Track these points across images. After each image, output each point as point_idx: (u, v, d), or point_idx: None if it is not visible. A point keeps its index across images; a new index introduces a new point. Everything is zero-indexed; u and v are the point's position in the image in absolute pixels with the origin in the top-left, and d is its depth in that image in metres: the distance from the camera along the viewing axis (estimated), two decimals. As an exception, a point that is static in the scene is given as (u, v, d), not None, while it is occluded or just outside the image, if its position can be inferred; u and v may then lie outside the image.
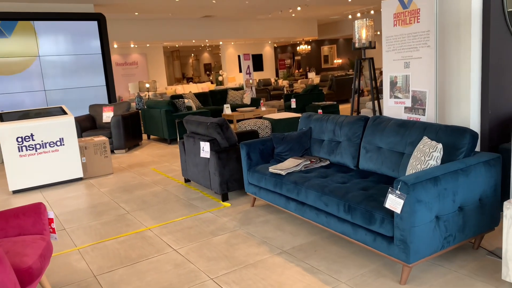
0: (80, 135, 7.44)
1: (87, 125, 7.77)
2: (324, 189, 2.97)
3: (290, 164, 3.53)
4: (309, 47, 22.71)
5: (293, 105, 10.18)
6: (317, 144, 3.85)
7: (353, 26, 4.02)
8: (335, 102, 9.86)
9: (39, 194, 5.13)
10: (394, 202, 2.38)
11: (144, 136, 9.33)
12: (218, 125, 4.23)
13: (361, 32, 3.99)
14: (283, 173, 3.40)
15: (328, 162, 3.65)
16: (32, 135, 5.24)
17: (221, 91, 11.27)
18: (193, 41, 16.81)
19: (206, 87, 17.92)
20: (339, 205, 2.79)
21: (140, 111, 9.46)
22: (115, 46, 16.12)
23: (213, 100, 11.07)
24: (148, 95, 10.65)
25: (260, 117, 9.70)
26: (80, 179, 5.70)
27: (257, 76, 19.67)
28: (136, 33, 14.02)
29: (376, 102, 6.80)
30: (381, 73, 11.12)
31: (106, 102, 9.06)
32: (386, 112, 3.75)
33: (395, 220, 2.41)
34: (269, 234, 3.34)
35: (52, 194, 5.11)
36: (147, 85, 10.07)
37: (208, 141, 4.28)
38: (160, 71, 18.39)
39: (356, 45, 4.05)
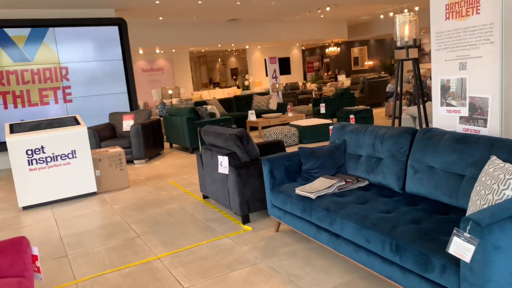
0: (99, 144, 7.14)
1: (107, 134, 7.47)
2: (364, 220, 2.41)
3: (321, 185, 2.99)
4: (339, 49, 22.00)
5: (323, 110, 9.58)
6: (353, 161, 3.28)
7: (394, 22, 3.44)
8: (368, 107, 9.18)
9: (49, 211, 4.79)
10: (461, 248, 1.80)
11: (167, 144, 8.97)
12: (237, 138, 3.73)
13: (404, 29, 3.40)
14: (312, 196, 2.86)
15: (366, 182, 3.07)
16: (42, 147, 4.92)
17: (246, 96, 10.82)
18: (219, 45, 16.47)
19: (232, 92, 17.55)
20: (385, 243, 2.22)
21: (162, 118, 9.13)
22: (141, 52, 16.00)
23: (237, 106, 10.63)
24: (171, 102, 10.32)
25: (287, 124, 9.16)
26: (93, 193, 5.33)
27: (284, 79, 19.13)
28: (161, 38, 13.80)
29: (416, 109, 6.13)
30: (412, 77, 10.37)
31: (128, 109, 8.77)
32: (437, 123, 3.14)
33: (462, 271, 1.83)
34: (296, 271, 2.80)
35: (62, 211, 4.75)
36: (170, 92, 9.73)
37: (226, 155, 3.79)
38: (186, 76, 18.17)
39: (398, 43, 3.47)
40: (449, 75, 2.98)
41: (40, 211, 4.83)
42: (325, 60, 26.12)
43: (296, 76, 20.12)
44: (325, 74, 25.68)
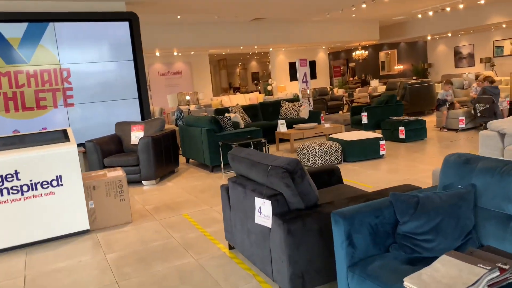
0: (101, 161, 5.93)
1: (111, 148, 6.26)
2: None
3: (452, 275, 1.64)
4: (366, 52, 20.56)
5: (364, 120, 8.21)
6: (493, 224, 1.92)
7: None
8: (420, 117, 7.76)
9: (22, 260, 3.55)
10: None
11: (182, 158, 7.72)
12: (286, 173, 2.41)
13: None
14: (447, 304, 1.51)
15: (532, 270, 1.71)
16: (16, 172, 3.70)
17: (273, 103, 9.51)
18: (241, 47, 15.27)
19: (254, 97, 16.27)
20: None
21: (178, 128, 7.91)
22: (157, 54, 14.92)
23: (263, 114, 9.33)
24: (189, 108, 9.10)
25: (322, 135, 7.81)
26: (85, 232, 4.09)
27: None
28: (179, 39, 12.67)
29: (505, 123, 4.70)
30: (481, 79, 8.80)
31: (139, 118, 7.56)
32: None
33: None
34: None
35: (39, 260, 3.51)
36: (188, 97, 8.51)
37: (269, 197, 2.48)
38: (206, 80, 17.01)
39: None
40: None
41: (11, 258, 3.60)
42: (351, 64, 24.71)
43: (322, 81, 18.75)
44: (351, 79, 24.25)
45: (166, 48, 12.96)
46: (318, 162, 6.01)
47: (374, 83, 15.71)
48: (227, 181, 3.08)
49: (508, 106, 8.86)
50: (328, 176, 3.49)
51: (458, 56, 18.73)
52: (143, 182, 5.92)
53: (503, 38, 16.52)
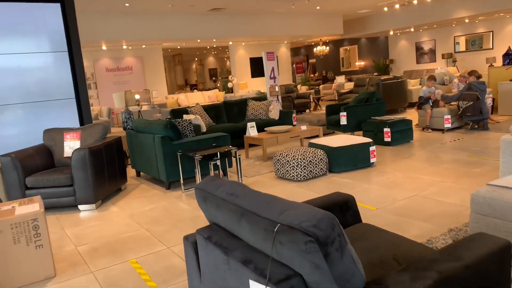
0: (23, 183, 4.53)
1: (37, 163, 4.85)
2: None
3: None
4: (327, 48, 19.87)
5: (343, 121, 7.26)
6: None
7: None
8: (405, 117, 6.90)
9: None
10: None
11: (132, 171, 6.40)
12: (315, 244, 1.29)
13: None
14: None
15: None
16: None
17: (238, 102, 8.36)
18: (198, 41, 13.96)
19: (213, 95, 15.03)
20: None
21: (126, 134, 6.57)
22: (104, 47, 13.30)
23: (228, 115, 8.16)
24: (140, 109, 7.74)
25: (297, 138, 6.78)
26: (-20, 299, 2.77)
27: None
28: (128, 30, 11.21)
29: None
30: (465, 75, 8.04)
31: (77, 123, 6.16)
32: None
33: None
34: None
35: None
36: (137, 96, 7.17)
37: (277, 283, 1.35)
38: (159, 77, 15.54)
39: None
40: None
41: None
42: (311, 60, 24.08)
43: (284, 77, 17.83)
44: (311, 75, 23.61)
45: (113, 41, 11.43)
46: (301, 175, 4.94)
47: (340, 79, 14.94)
48: (196, 233, 1.92)
49: (492, 103, 8.27)
50: (341, 212, 2.41)
51: (419, 52, 18.49)
52: (79, 207, 4.59)
53: (463, 33, 16.36)
